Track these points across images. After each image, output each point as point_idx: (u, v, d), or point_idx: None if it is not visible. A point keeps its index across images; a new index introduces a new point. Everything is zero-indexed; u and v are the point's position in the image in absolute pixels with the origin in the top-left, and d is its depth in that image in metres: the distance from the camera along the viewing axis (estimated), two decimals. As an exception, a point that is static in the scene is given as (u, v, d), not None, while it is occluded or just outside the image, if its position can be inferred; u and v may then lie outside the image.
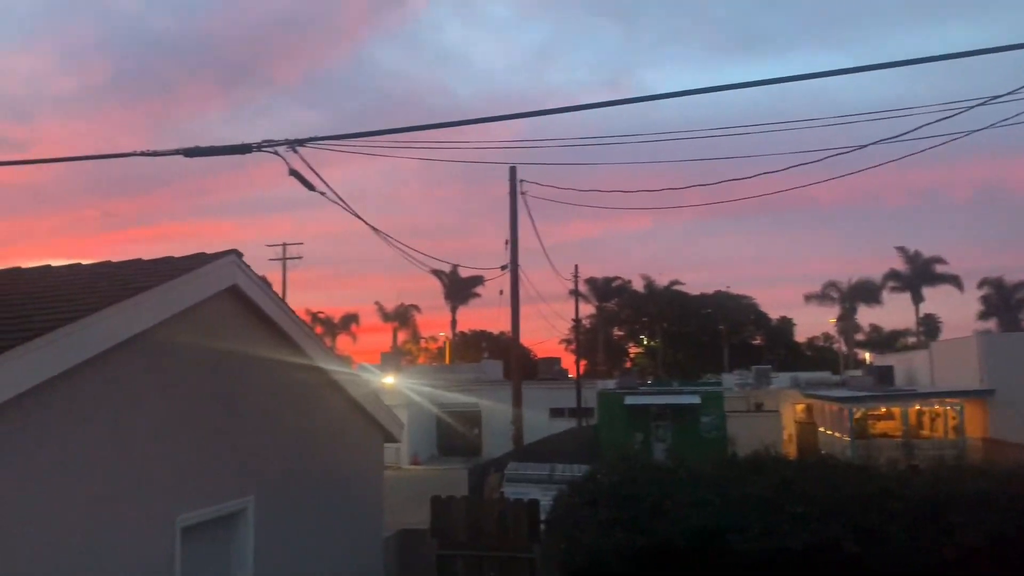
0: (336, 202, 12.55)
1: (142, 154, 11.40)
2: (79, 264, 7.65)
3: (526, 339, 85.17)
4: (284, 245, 51.26)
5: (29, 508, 5.35)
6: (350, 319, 71.57)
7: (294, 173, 11.49)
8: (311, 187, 11.90)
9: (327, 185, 12.06)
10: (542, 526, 10.32)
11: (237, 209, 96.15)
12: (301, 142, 11.46)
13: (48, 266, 7.78)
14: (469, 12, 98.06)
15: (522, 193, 23.93)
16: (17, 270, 7.82)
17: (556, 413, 44.66)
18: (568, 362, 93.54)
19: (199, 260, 7.45)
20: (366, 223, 14.66)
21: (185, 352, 7.10)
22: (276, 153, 11.03)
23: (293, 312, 8.71)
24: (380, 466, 10.88)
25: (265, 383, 8.37)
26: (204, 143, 10.72)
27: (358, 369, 52.98)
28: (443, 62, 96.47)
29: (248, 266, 7.92)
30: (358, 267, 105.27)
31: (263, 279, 8.22)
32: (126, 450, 6.26)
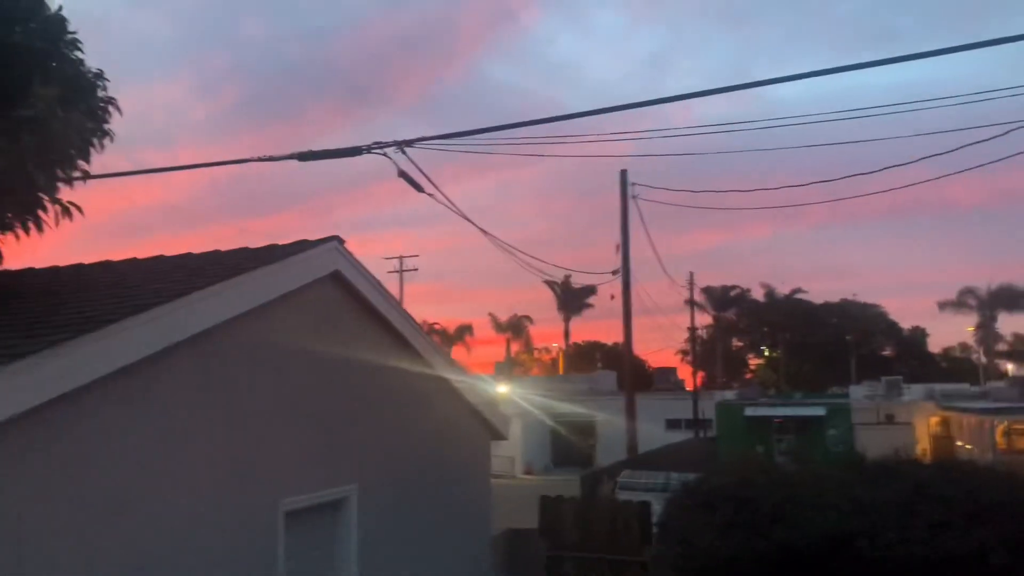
0: (446, 204, 12.64)
1: (259, 159, 11.72)
2: (190, 253, 7.81)
3: (640, 350, 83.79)
4: (401, 258, 52.35)
5: (142, 480, 5.40)
6: (464, 330, 72.40)
7: (403, 174, 11.59)
8: (420, 188, 11.96)
9: (435, 186, 12.16)
10: (654, 529, 9.85)
11: (362, 226, 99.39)
12: (409, 143, 11.53)
13: (161, 256, 7.99)
14: (580, 22, 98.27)
15: (633, 197, 23.61)
16: (133, 260, 8.06)
17: (672, 425, 43.73)
18: (684, 373, 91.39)
19: (301, 246, 7.47)
20: (475, 225, 14.63)
21: (290, 337, 7.10)
22: (385, 155, 11.21)
23: (398, 304, 8.65)
24: (487, 463, 10.76)
25: (370, 374, 8.32)
26: (326, 164, 10.91)
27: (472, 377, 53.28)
28: (556, 74, 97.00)
29: (350, 253, 7.89)
30: (472, 280, 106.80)
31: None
32: (233, 430, 6.27)
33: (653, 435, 39.72)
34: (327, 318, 7.65)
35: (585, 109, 9.66)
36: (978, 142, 10.71)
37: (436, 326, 72.29)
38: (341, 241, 7.73)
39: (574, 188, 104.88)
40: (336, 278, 7.77)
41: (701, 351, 77.18)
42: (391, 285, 59.32)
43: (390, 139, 10.87)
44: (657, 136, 12.76)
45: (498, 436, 11.11)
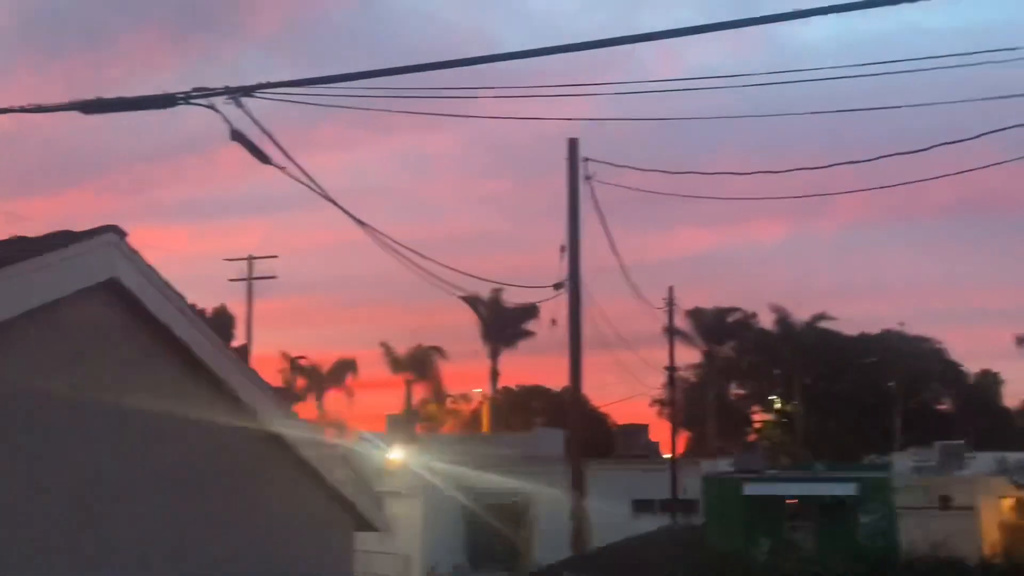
0: (305, 183, 12.36)
1: (23, 110, 11.28)
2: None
3: (597, 398, 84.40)
4: (250, 259, 51.65)
5: None
6: (345, 367, 71.79)
7: (238, 137, 11.30)
8: (265, 158, 11.68)
9: (288, 155, 11.86)
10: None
11: (196, 211, 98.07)
12: (248, 90, 11.25)
13: None
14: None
15: (587, 178, 23.70)
16: None
17: (642, 506, 43.92)
18: (661, 433, 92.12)
19: (59, 241, 7.14)
20: (347, 212, 14.35)
21: (36, 374, 6.84)
22: (212, 107, 10.93)
23: (208, 327, 8.39)
24: (348, 565, 10.52)
25: (161, 429, 8.03)
26: (142, 121, 10.56)
27: (357, 439, 53.08)
28: (488, 3, 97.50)
29: (136, 253, 7.58)
30: (359, 294, 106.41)
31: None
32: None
33: (614, 522, 39.69)
34: (96, 346, 7.48)
35: (524, 49, 9.52)
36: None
37: (302, 361, 71.55)
38: (121, 234, 7.43)
39: (509, 164, 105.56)
40: (113, 288, 7.48)
41: (685, 401, 78.00)
42: (234, 298, 58.49)
43: (229, 84, 10.62)
44: (625, 91, 12.71)
45: (367, 527, 10.90)
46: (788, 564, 31.79)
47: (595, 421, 75.05)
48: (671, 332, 48.50)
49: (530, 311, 67.37)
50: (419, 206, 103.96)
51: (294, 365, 71.56)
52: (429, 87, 12.47)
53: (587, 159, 23.37)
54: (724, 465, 42.78)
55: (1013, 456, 45.45)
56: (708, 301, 78.73)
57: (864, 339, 73.78)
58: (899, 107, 14.56)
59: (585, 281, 23.75)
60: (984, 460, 44.53)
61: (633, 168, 23.73)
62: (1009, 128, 13.27)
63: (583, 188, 23.51)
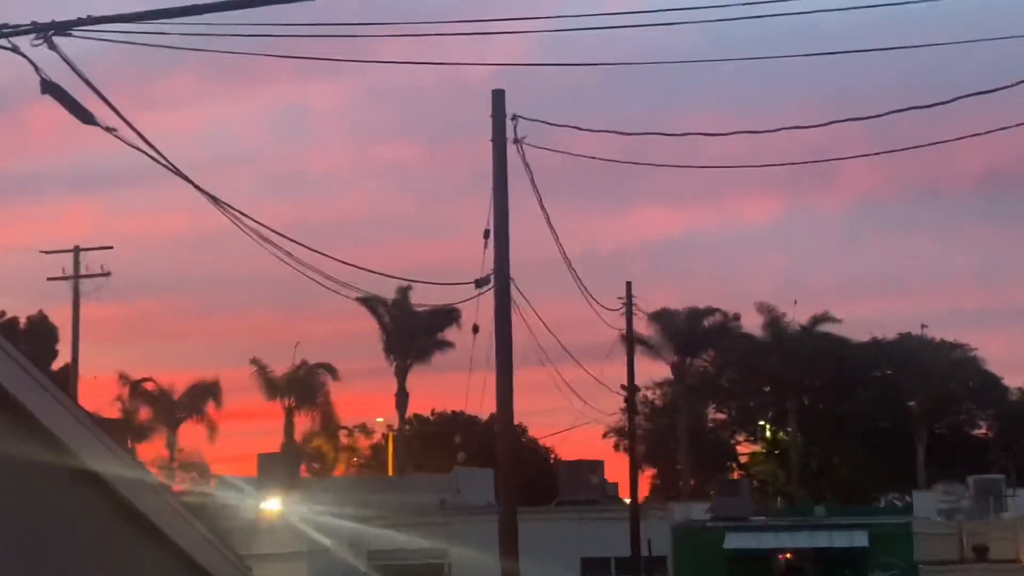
0: (139, 148, 12.16)
1: None
2: None
3: (536, 427, 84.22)
4: (76, 251, 51.00)
5: None
6: (204, 392, 71.12)
7: (52, 89, 11.18)
8: (87, 117, 11.53)
9: (116, 112, 11.68)
10: None
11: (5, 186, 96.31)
12: (64, 27, 11.14)
13: None
14: None
15: (516, 141, 23.74)
16: None
17: (594, 567, 44.06)
18: (618, 470, 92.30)
19: None
20: (202, 191, 14.19)
21: None
22: (16, 50, 10.75)
23: (8, 345, 8.24)
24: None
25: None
26: None
27: (220, 485, 52.44)
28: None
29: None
30: (224, 298, 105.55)
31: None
32: None
33: (558, 588, 39.80)
34: None
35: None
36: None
37: (146, 384, 70.70)
38: None
39: (416, 124, 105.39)
40: None
41: (650, 430, 78.35)
42: (56, 303, 57.57)
43: (37, 20, 10.55)
44: (564, 28, 12.72)
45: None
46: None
47: (533, 457, 75.44)
48: (630, 341, 48.63)
49: (447, 316, 67.24)
50: (299, 180, 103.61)
51: (136, 390, 70.63)
52: (310, 23, 12.37)
53: (517, 116, 23.36)
54: (700, 511, 43.09)
55: (1065, 494, 46.22)
56: (678, 301, 79.55)
57: (877, 346, 74.60)
58: (917, 47, 14.75)
59: (517, 276, 23.77)
60: (1029, 500, 45.22)
61: (577, 128, 23.74)
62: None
63: (512, 154, 23.50)
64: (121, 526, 9.61)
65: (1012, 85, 14.09)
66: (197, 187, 13.48)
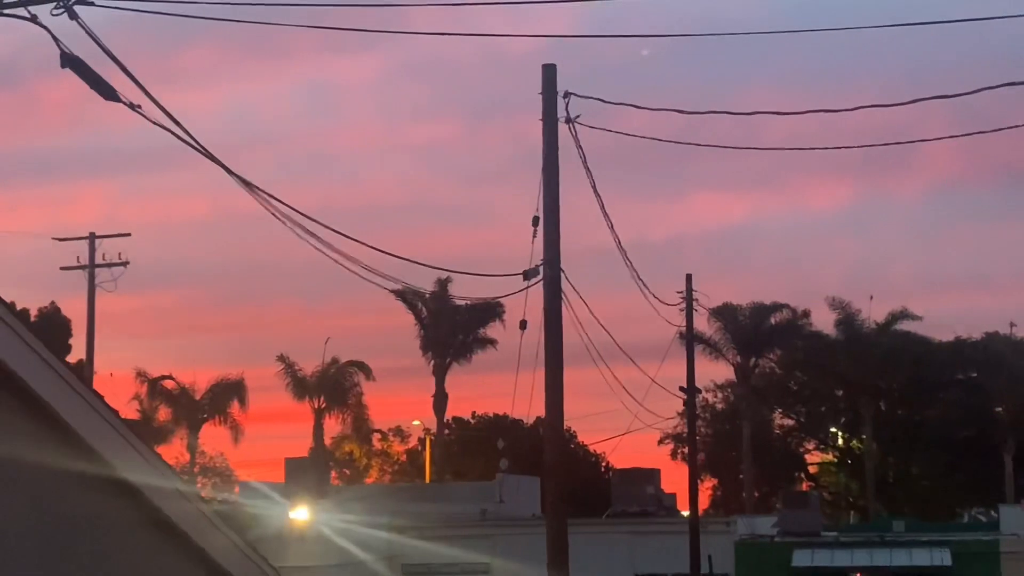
0: (164, 125, 12.29)
1: None
2: None
3: (591, 432, 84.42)
4: (91, 238, 51.44)
5: None
6: (228, 391, 71.57)
7: (72, 62, 11.29)
8: (110, 92, 11.65)
9: (141, 88, 11.80)
10: None
11: (8, 171, 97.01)
12: (87, -7, 11.24)
13: None
14: None
15: (569, 121, 23.78)
16: None
17: (650, 584, 44.13)
18: (675, 480, 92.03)
19: None
20: (229, 171, 14.31)
21: None
22: (34, 20, 10.86)
23: (32, 337, 8.32)
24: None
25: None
26: None
27: (245, 492, 52.57)
28: None
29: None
30: (250, 289, 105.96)
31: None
32: None
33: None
34: None
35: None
36: None
37: (166, 383, 71.16)
38: None
39: (456, 101, 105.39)
40: None
41: (711, 437, 78.22)
42: (69, 294, 58.01)
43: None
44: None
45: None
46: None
47: (584, 465, 75.49)
48: (689, 339, 48.62)
49: (490, 310, 67.46)
50: (330, 160, 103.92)
51: (155, 388, 71.14)
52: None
53: (569, 94, 23.40)
54: (765, 526, 42.98)
55: None
56: (741, 295, 79.30)
57: (961, 347, 74.18)
58: (1008, 17, 14.67)
59: (567, 268, 23.81)
60: None
61: (634, 107, 23.72)
62: None
63: (563, 135, 23.54)
64: (148, 533, 9.69)
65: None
66: (227, 169, 13.59)
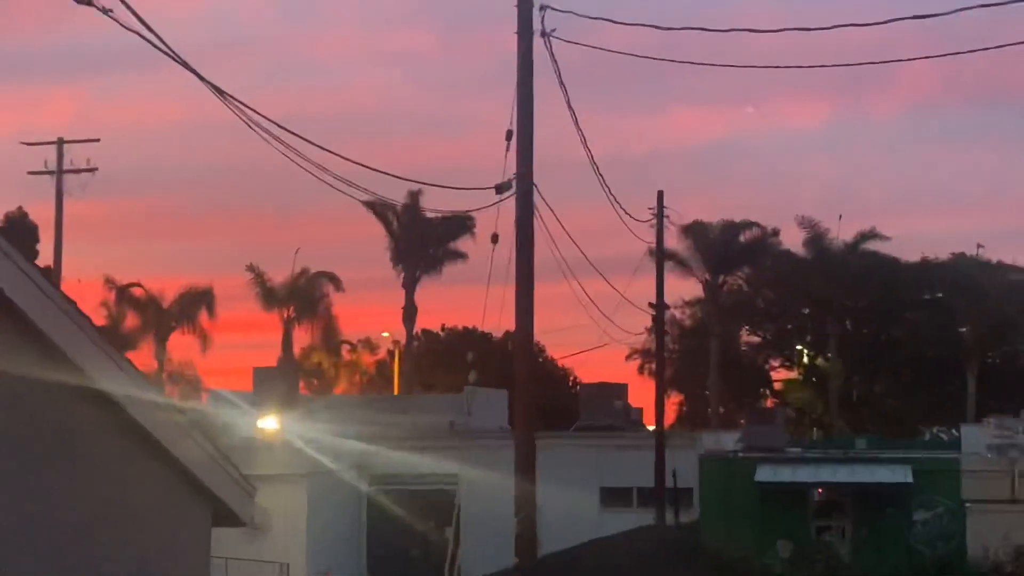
0: (135, 29, 12.22)
1: None
2: None
3: (554, 347, 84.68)
4: (59, 143, 51.11)
5: None
6: (196, 299, 71.50)
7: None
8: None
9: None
10: None
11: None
12: None
13: None
14: None
15: (545, 35, 23.70)
16: None
17: (615, 497, 44.62)
18: (643, 395, 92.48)
19: None
20: (202, 78, 14.26)
21: None
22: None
23: (6, 244, 8.29)
24: (202, 572, 10.55)
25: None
26: None
27: (214, 401, 52.51)
28: None
29: None
30: (220, 197, 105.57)
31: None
32: None
33: (576, 518, 40.22)
34: None
35: None
36: None
37: (134, 290, 71.00)
38: None
39: (431, 10, 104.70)
40: None
41: (679, 352, 78.39)
42: (37, 199, 57.63)
43: None
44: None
45: (229, 520, 11.04)
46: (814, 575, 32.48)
47: (552, 379, 75.83)
48: (659, 255, 48.84)
49: (462, 224, 67.38)
50: (304, 68, 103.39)
51: (123, 296, 71.00)
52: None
53: (545, 7, 23.33)
54: (730, 441, 43.27)
55: None
56: (713, 213, 79.41)
57: (928, 267, 74.44)
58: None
59: (540, 182, 23.83)
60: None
61: (610, 21, 23.69)
62: None
63: (538, 48, 23.49)
64: (121, 441, 9.73)
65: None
66: (199, 75, 13.58)
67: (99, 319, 65.65)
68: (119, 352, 9.80)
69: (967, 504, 35.41)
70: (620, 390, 56.61)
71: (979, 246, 74.48)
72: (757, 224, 74.48)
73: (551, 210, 25.36)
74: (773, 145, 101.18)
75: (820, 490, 36.19)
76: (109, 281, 70.18)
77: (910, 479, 34.87)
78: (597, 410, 51.73)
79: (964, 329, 71.41)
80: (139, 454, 9.92)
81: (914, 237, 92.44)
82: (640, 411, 56.64)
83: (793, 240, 74.20)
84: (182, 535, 10.72)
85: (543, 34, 23.44)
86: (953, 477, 35.42)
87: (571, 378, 78.74)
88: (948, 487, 35.08)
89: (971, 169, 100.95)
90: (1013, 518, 35.76)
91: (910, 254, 74.31)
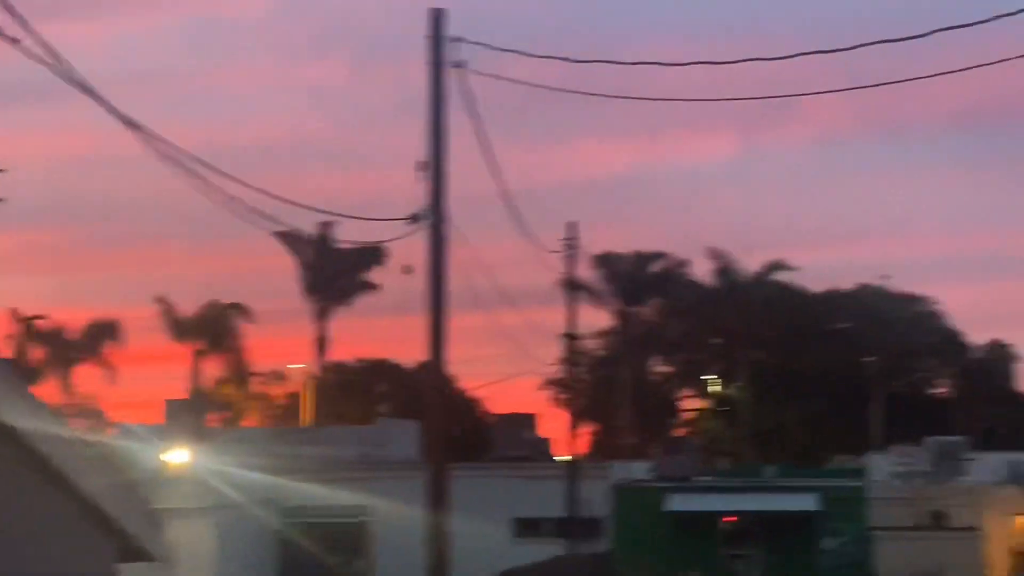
0: (44, 60, 12.06)
1: None
2: None
3: (471, 377, 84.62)
4: (-36, 170, 50.42)
5: None
6: (102, 331, 70.71)
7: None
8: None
9: (20, 21, 11.54)
10: None
11: None
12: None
13: None
14: None
15: (456, 66, 23.70)
16: None
17: (527, 527, 44.38)
18: (556, 425, 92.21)
19: None
20: (111, 108, 14.06)
21: None
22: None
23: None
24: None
25: None
26: None
27: (122, 434, 51.96)
28: None
29: None
30: (127, 228, 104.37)
31: None
32: None
33: (490, 548, 39.97)
34: None
35: None
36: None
37: (40, 322, 70.00)
38: None
39: (343, 40, 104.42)
40: None
41: (590, 383, 78.43)
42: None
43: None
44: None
45: (137, 556, 10.94)
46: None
47: (464, 409, 75.45)
48: (570, 286, 48.85)
49: (373, 254, 67.18)
50: (213, 99, 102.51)
51: (29, 328, 70.06)
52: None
53: (457, 38, 23.31)
54: (642, 471, 43.39)
55: (1031, 459, 46.86)
56: (625, 244, 79.63)
57: (835, 298, 75.18)
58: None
59: (453, 213, 23.77)
60: (992, 464, 45.83)
61: (522, 53, 23.73)
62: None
63: (451, 80, 23.45)
64: (23, 474, 9.59)
65: (990, 20, 14.21)
66: (109, 106, 13.40)
67: (4, 351, 64.78)
68: (23, 383, 9.64)
69: (875, 531, 35.74)
70: (530, 420, 56.66)
71: (884, 277, 75.32)
72: (667, 255, 75.01)
73: (465, 241, 25.33)
74: (683, 177, 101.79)
75: (730, 519, 36.38)
76: (15, 313, 69.23)
77: (817, 507, 35.13)
78: (509, 441, 51.72)
79: (869, 359, 72.13)
80: (41, 487, 9.76)
81: (821, 268, 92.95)
82: (549, 441, 56.60)
83: (704, 271, 74.82)
84: (86, 570, 10.52)
85: (456, 65, 23.41)
86: (859, 505, 35.79)
87: (483, 409, 78.47)
88: (855, 515, 35.42)
89: (876, 201, 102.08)
90: (919, 544, 36.17)
91: (817, 285, 75.14)
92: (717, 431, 76.33)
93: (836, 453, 65.89)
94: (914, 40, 14.89)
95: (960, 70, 17.85)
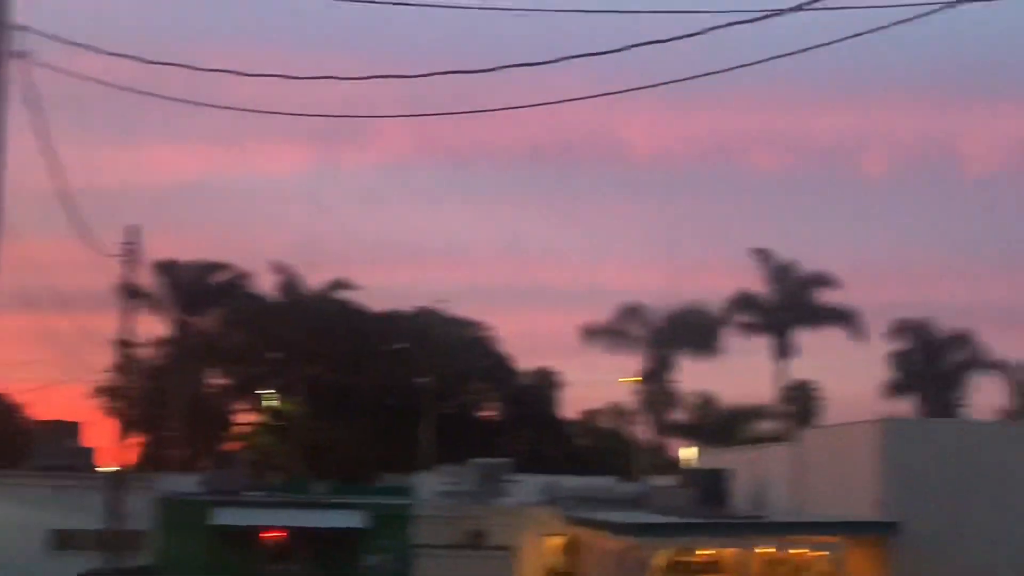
0: None
1: None
2: None
3: (13, 380, 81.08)
4: None
5: None
6: None
7: None
8: None
9: None
10: None
11: None
12: None
13: None
14: None
15: (20, 55, 22.83)
16: None
17: (67, 539, 43.20)
18: (106, 434, 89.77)
19: None
20: None
21: None
22: None
23: None
24: None
25: None
26: None
27: None
28: None
29: None
30: None
31: None
32: None
33: (24, 562, 38.69)
34: None
35: None
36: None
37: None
38: None
39: None
40: None
41: (145, 392, 76.40)
42: None
43: None
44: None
45: None
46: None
47: (5, 416, 72.33)
48: (128, 292, 47.67)
49: None
50: None
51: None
52: None
53: (24, 27, 22.47)
54: (191, 484, 42.88)
55: (567, 481, 48.81)
56: (191, 253, 78.10)
57: (394, 319, 76.07)
58: (459, 7, 15.21)
59: (7, 209, 22.85)
60: (532, 485, 47.41)
61: (95, 50, 23.01)
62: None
63: (12, 70, 22.58)
64: None
65: (555, 60, 14.81)
66: None
67: None
68: None
69: (417, 548, 36.32)
70: (73, 428, 55.00)
71: (440, 301, 76.76)
72: (231, 266, 74.27)
73: (18, 238, 24.34)
74: (254, 189, 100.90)
75: (276, 533, 36.30)
76: None
77: (362, 524, 35.49)
78: (49, 449, 50.05)
79: (424, 379, 73.41)
80: None
81: (383, 289, 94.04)
82: (91, 451, 54.94)
83: (268, 285, 74.45)
84: None
85: (19, 55, 22.51)
86: (404, 523, 36.36)
87: (25, 414, 75.33)
88: (399, 532, 35.95)
89: (439, 227, 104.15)
90: (458, 562, 37.06)
91: (379, 305, 75.94)
92: (270, 446, 75.98)
93: (388, 471, 66.78)
94: (485, 73, 15.30)
95: (525, 106, 18.44)
